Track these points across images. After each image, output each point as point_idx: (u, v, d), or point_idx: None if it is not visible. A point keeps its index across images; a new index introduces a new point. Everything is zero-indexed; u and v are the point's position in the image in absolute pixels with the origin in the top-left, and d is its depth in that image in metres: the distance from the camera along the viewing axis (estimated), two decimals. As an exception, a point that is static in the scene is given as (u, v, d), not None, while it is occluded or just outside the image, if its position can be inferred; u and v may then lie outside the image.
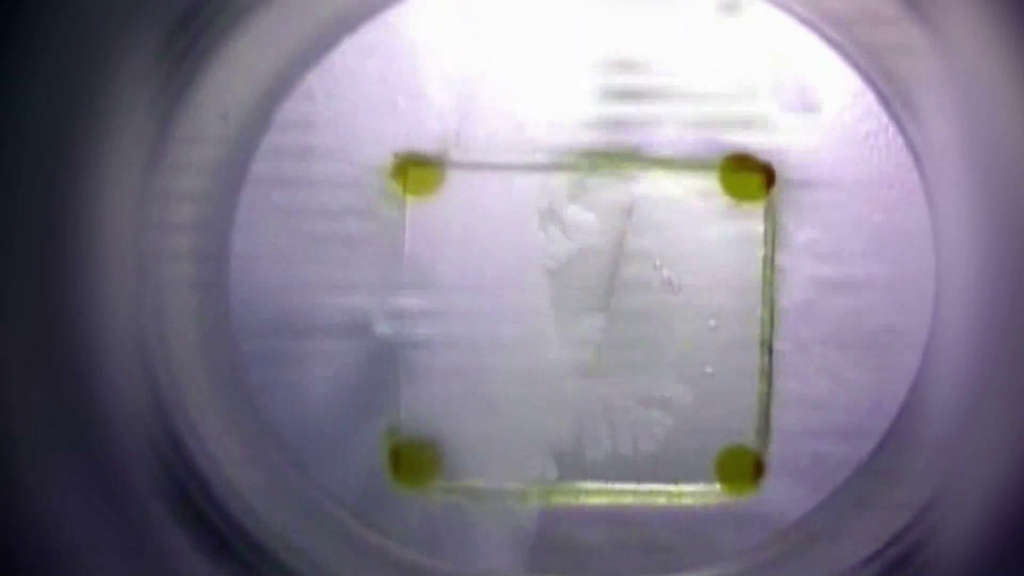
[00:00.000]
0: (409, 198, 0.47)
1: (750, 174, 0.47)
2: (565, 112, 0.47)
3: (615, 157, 0.47)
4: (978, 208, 0.41)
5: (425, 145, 0.47)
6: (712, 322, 0.47)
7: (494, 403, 0.47)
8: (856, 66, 0.46)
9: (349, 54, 0.46)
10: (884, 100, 0.46)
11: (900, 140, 0.46)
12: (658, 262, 0.47)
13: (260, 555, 0.43)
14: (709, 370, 0.47)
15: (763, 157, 0.47)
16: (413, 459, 0.47)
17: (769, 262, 0.47)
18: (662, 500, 0.47)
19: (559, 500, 0.47)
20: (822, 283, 0.47)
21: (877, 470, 0.46)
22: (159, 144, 0.42)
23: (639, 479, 0.47)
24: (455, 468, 0.47)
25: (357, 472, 0.47)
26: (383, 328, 0.47)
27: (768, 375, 0.47)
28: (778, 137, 0.47)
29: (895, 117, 0.46)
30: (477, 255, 0.47)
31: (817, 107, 0.47)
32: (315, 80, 0.46)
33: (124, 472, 0.38)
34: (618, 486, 0.47)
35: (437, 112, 0.47)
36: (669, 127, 0.47)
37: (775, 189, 0.47)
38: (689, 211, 0.47)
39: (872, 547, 0.43)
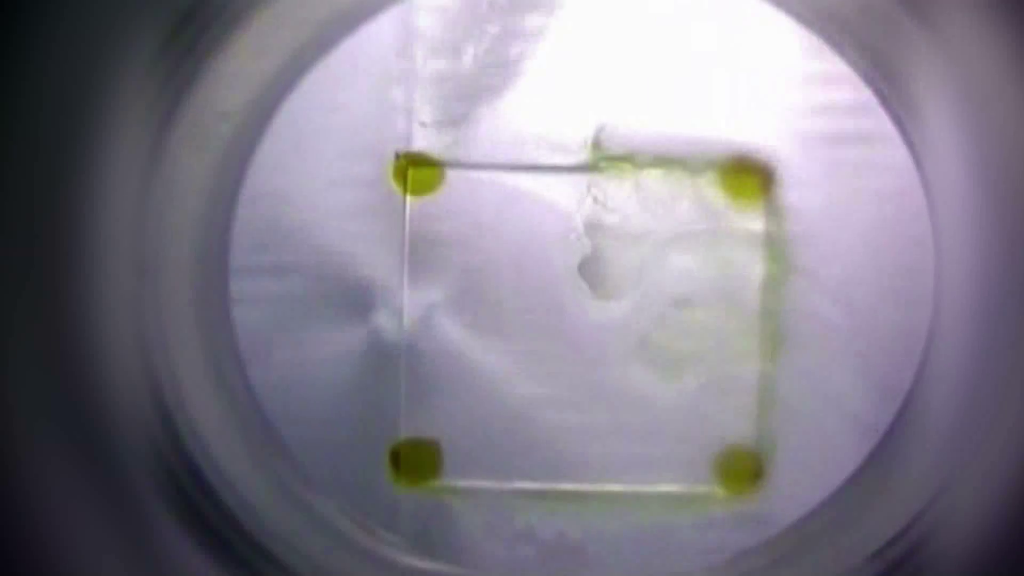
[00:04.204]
0: (409, 198, 0.47)
1: (750, 174, 0.47)
2: (565, 112, 0.47)
3: (615, 157, 0.47)
4: (978, 208, 0.41)
5: (425, 145, 0.47)
6: (711, 322, 0.47)
7: (494, 403, 0.47)
8: (856, 66, 0.46)
9: (349, 54, 0.46)
10: (884, 100, 0.46)
11: (900, 140, 0.46)
12: (657, 262, 0.47)
13: (260, 555, 0.43)
14: (709, 370, 0.47)
15: (763, 157, 0.47)
16: (413, 459, 0.47)
17: (768, 262, 0.47)
18: (662, 500, 0.47)
19: (559, 500, 0.47)
20: (821, 283, 0.47)
21: (877, 470, 0.46)
22: (159, 144, 0.42)
23: (639, 479, 0.47)
24: (455, 468, 0.47)
25: (357, 472, 0.47)
26: (383, 328, 0.47)
27: (769, 375, 0.47)
28: (778, 137, 0.47)
29: (895, 117, 0.46)
30: (477, 255, 0.47)
31: (816, 107, 0.47)
32: (315, 80, 0.46)
33: (124, 472, 0.38)
34: (618, 487, 0.47)
35: (437, 112, 0.47)
36: (669, 127, 0.47)
37: (775, 189, 0.47)
38: (689, 211, 0.47)
39: (872, 547, 0.43)
